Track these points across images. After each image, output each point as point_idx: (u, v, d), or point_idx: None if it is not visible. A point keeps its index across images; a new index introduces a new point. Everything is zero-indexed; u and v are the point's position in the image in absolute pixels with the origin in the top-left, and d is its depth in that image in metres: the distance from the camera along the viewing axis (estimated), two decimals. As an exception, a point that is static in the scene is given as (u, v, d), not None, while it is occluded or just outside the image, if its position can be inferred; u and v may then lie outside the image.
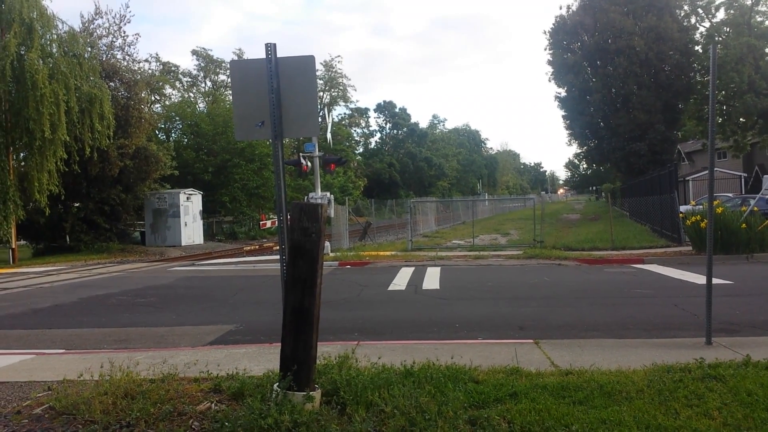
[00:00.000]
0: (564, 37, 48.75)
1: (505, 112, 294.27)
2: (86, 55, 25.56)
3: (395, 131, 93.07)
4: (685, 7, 46.29)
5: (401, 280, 14.68)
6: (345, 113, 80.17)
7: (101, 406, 4.63)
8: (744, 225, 16.76)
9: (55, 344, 8.50)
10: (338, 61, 71.62)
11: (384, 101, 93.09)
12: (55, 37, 24.40)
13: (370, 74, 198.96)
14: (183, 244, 31.47)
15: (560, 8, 52.91)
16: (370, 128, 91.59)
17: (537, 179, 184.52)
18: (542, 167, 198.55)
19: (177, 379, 5.47)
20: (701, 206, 19.13)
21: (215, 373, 5.51)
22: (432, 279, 14.62)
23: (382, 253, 21.66)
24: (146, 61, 47.63)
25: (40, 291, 15.20)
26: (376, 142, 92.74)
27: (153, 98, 43.79)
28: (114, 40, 31.27)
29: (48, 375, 6.24)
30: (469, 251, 21.15)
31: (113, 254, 27.05)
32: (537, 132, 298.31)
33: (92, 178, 27.73)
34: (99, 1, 54.85)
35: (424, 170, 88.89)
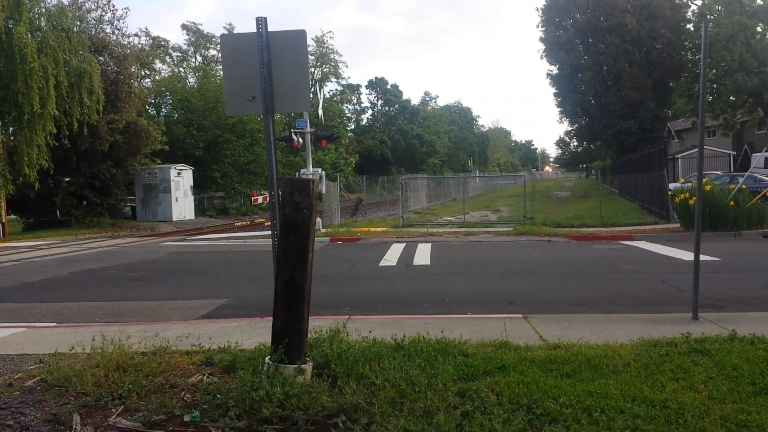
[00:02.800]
0: (556, 14, 48.56)
1: (497, 90, 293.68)
2: (75, 29, 25.18)
3: (387, 108, 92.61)
4: (678, -16, 46.13)
5: (392, 255, 14.74)
6: (337, 89, 79.71)
7: (93, 378, 4.67)
8: (732, 202, 16.90)
9: (47, 318, 8.52)
10: (330, 37, 71.08)
11: (376, 78, 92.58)
12: (44, 10, 24.00)
13: (362, 50, 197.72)
14: (174, 219, 31.36)
15: (553, -16, 52.60)
16: (362, 105, 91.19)
17: (528, 157, 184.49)
18: (533, 145, 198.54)
19: (169, 352, 5.52)
20: (690, 184, 19.25)
21: (207, 347, 5.55)
22: (423, 255, 14.69)
23: (373, 229, 21.71)
24: (136, 35, 47.07)
25: (31, 265, 15.16)
26: (367, 118, 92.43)
27: (143, 73, 43.29)
28: (103, 14, 30.88)
29: (39, 348, 6.26)
30: (460, 228, 21.22)
31: (104, 229, 26.96)
32: (528, 110, 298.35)
33: (82, 152, 27.53)
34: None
35: (415, 147, 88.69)
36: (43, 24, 23.80)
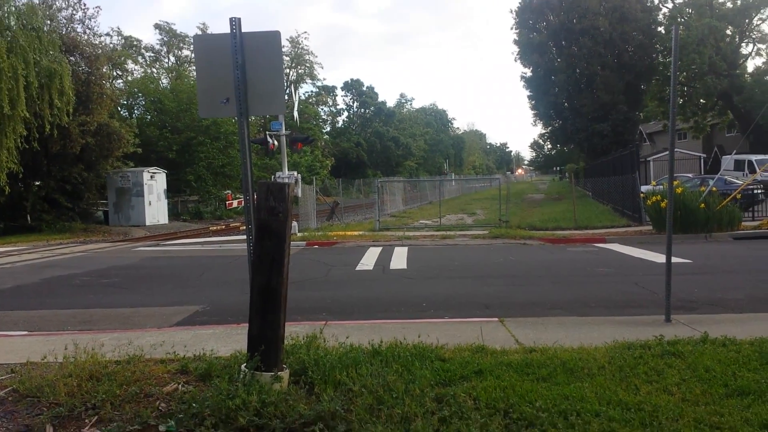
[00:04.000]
0: (530, 17, 49.00)
1: (472, 92, 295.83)
2: (45, 29, 24.84)
3: (363, 110, 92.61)
4: (649, -12, 46.86)
5: (369, 259, 14.73)
6: (312, 91, 79.52)
7: (66, 388, 4.59)
8: (703, 205, 17.16)
9: (18, 326, 8.35)
10: (305, 38, 70.93)
11: (351, 79, 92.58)
12: (13, 9, 23.61)
13: (337, 51, 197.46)
14: (147, 223, 31.02)
15: (527, -13, 53.08)
16: (338, 107, 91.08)
17: (503, 159, 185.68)
18: (508, 147, 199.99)
19: (143, 360, 5.44)
20: (661, 186, 19.51)
21: (182, 354, 5.49)
22: (399, 259, 14.70)
23: (349, 233, 21.67)
24: (107, 35, 46.63)
25: (1, 271, 14.87)
26: (343, 120, 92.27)
27: (115, 74, 42.84)
28: (74, 12, 30.50)
29: (10, 357, 6.13)
30: (436, 231, 21.28)
31: (76, 234, 26.55)
32: (503, 112, 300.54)
33: (53, 155, 27.12)
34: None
35: (391, 150, 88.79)
36: (12, 23, 23.42)
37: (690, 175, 32.58)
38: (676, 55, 7.34)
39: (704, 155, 45.93)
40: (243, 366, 4.57)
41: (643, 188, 21.79)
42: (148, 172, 32.10)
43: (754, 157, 32.18)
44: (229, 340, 6.62)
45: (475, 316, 7.98)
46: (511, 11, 50.75)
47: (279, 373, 4.50)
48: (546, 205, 36.55)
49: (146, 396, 4.53)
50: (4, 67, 20.97)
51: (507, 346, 6.03)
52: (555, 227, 21.23)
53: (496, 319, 7.61)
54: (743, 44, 45.16)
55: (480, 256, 15.32)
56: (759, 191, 21.25)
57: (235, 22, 5.53)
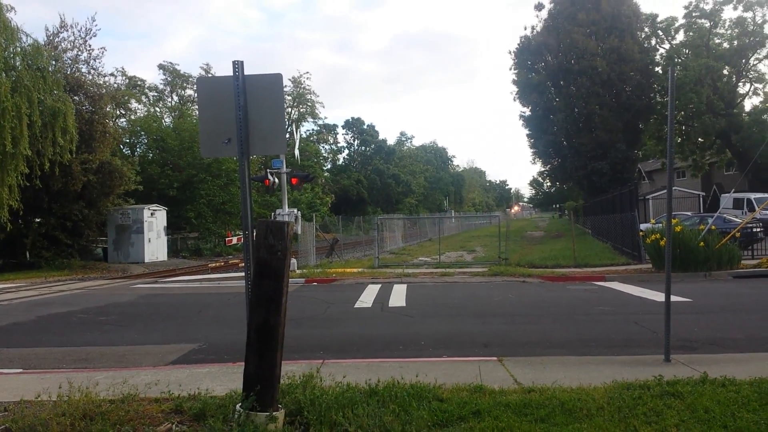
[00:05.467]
0: (528, 58, 49.64)
1: (472, 130, 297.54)
2: (50, 69, 25.14)
3: (363, 148, 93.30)
4: (646, 29, 47.57)
5: (368, 297, 14.67)
6: (313, 129, 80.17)
7: (59, 427, 4.55)
8: (702, 243, 17.14)
9: (13, 363, 8.29)
10: (307, 77, 71.53)
11: (352, 118, 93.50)
12: (19, 50, 23.93)
13: (337, 90, 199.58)
14: (146, 260, 30.99)
15: (525, 29, 54.03)
16: (338, 144, 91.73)
17: (503, 197, 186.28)
18: (507, 185, 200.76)
19: (137, 399, 5.40)
20: (661, 224, 19.53)
21: (177, 394, 5.44)
22: (398, 296, 14.65)
23: (349, 270, 21.63)
24: (112, 75, 47.05)
25: (-3, 309, 14.81)
26: (344, 158, 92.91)
27: (118, 112, 43.26)
28: (79, 53, 30.84)
29: (4, 395, 6.08)
30: (436, 268, 21.25)
31: (75, 271, 26.50)
32: (502, 150, 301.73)
33: (54, 192, 27.20)
34: (64, 14, 54.21)
35: (391, 187, 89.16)
36: (18, 63, 23.72)
37: (689, 213, 32.70)
38: (672, 94, 7.44)
39: (703, 193, 46.13)
40: (238, 406, 4.54)
41: (643, 226, 21.82)
42: (149, 209, 32.19)
43: (753, 196, 32.33)
44: (224, 379, 6.57)
45: (473, 355, 7.93)
46: (510, 52, 51.38)
47: (274, 413, 4.46)
48: (546, 243, 36.54)
49: (140, 436, 4.48)
50: (7, 106, 21.17)
51: (505, 386, 5.98)
52: (554, 265, 21.20)
53: (495, 358, 7.56)
54: (740, 84, 45.66)
55: (479, 293, 15.27)
56: (758, 229, 21.28)
57: (238, 65, 5.64)
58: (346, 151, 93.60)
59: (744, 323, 10.19)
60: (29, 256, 27.85)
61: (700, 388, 5.53)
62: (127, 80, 51.76)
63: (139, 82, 54.43)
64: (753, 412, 4.86)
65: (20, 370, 7.79)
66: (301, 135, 61.84)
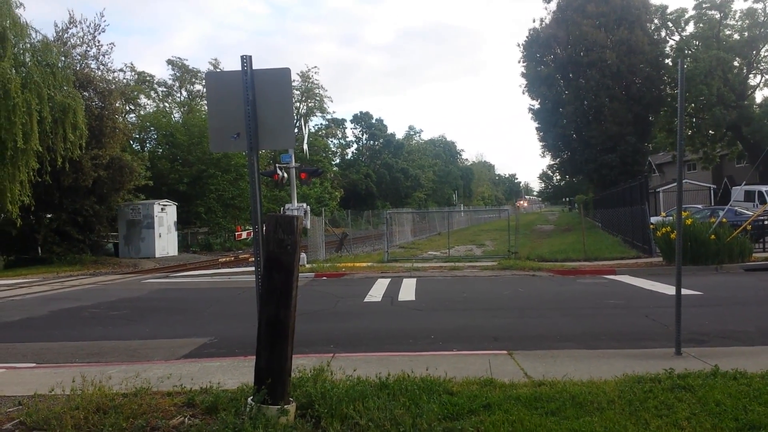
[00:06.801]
0: (537, 50, 49.44)
1: (481, 124, 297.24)
2: (60, 65, 25.26)
3: (372, 142, 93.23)
4: (656, 21, 47.26)
5: (377, 291, 14.70)
6: (322, 124, 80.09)
7: (73, 421, 4.59)
8: (713, 236, 17.05)
9: (26, 358, 8.37)
10: (315, 72, 71.13)
11: (360, 112, 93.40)
12: (29, 46, 24.07)
13: (345, 85, 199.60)
14: (157, 255, 31.15)
15: (534, 21, 53.74)
16: (347, 139, 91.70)
17: (512, 190, 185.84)
18: (517, 178, 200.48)
19: (150, 393, 5.44)
20: (671, 217, 19.43)
21: (189, 387, 5.48)
22: (408, 290, 14.66)
23: (358, 264, 21.66)
24: (121, 70, 47.01)
25: (10, 304, 14.93)
26: (352, 152, 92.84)
27: (127, 108, 43.37)
28: (88, 49, 30.97)
29: (18, 389, 6.14)
30: (445, 262, 21.24)
31: (86, 266, 26.68)
32: (512, 143, 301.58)
33: (65, 188, 27.37)
34: (73, 10, 54.41)
35: (400, 181, 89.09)
36: (27, 59, 23.86)
37: (700, 206, 32.48)
38: (682, 87, 7.39)
39: (714, 186, 45.86)
40: (249, 399, 4.57)
41: (653, 219, 21.71)
42: (159, 204, 32.33)
43: (764, 188, 32.11)
44: (236, 373, 6.61)
45: (483, 349, 7.92)
46: (519, 45, 51.19)
47: (285, 406, 4.48)
48: (555, 237, 36.45)
49: (152, 429, 4.52)
50: (18, 102, 21.29)
51: (516, 380, 5.99)
52: (564, 258, 21.15)
53: (505, 351, 7.56)
54: (751, 75, 45.35)
55: (489, 287, 15.26)
56: (769, 222, 21.14)
57: (246, 60, 5.64)
58: (355, 146, 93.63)
59: (755, 316, 10.13)
60: (41, 252, 28.07)
61: (711, 382, 5.51)
62: (136, 76, 51.94)
63: (148, 78, 54.61)
64: (764, 405, 4.84)
65: (34, 365, 7.86)
66: (309, 129, 61.84)
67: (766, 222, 21.00)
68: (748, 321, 9.61)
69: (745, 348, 7.62)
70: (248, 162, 5.79)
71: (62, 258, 27.64)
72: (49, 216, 28.25)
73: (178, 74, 57.81)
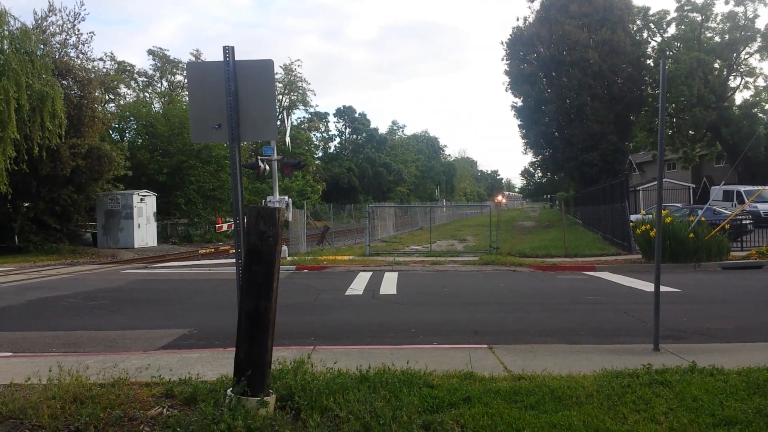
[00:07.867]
0: (521, 48, 49.58)
1: (464, 120, 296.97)
2: (39, 53, 24.88)
3: (355, 136, 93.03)
4: (638, 22, 47.62)
5: (359, 284, 14.69)
6: (305, 117, 79.72)
7: (49, 410, 4.52)
8: (692, 234, 17.25)
9: (2, 347, 8.24)
10: (298, 65, 71.08)
11: (344, 106, 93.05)
12: (7, 33, 23.66)
13: (328, 79, 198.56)
14: (136, 246, 30.87)
15: (517, 20, 53.80)
16: (330, 133, 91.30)
17: (494, 186, 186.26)
18: (499, 175, 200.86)
19: (128, 383, 5.39)
20: (651, 215, 19.61)
21: (167, 378, 5.43)
22: (389, 284, 14.67)
23: (340, 257, 21.63)
24: (101, 59, 46.37)
25: (-15, 293, 14.73)
26: (335, 146, 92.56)
27: (107, 97, 42.82)
28: (68, 37, 30.53)
29: (-7, 379, 6.05)
30: (427, 257, 21.28)
31: (63, 256, 26.37)
32: (494, 140, 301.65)
33: (43, 177, 27.01)
34: (53, -2, 53.39)
35: (383, 175, 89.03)
36: (5, 47, 23.47)
37: (679, 204, 32.85)
38: (663, 87, 7.45)
39: (693, 185, 46.36)
40: (229, 390, 4.53)
41: (633, 217, 21.91)
42: (138, 194, 32.03)
43: (742, 188, 32.56)
44: (215, 364, 6.57)
45: (464, 343, 7.96)
46: (502, 43, 51.28)
47: (265, 398, 4.46)
48: (536, 233, 36.65)
49: (130, 420, 4.47)
50: (-5, 90, 20.98)
51: (496, 374, 6.01)
52: (545, 254, 21.28)
53: (486, 346, 7.59)
54: (731, 77, 45.92)
55: (470, 282, 15.31)
56: (747, 222, 21.43)
57: (228, 51, 5.58)
58: (338, 140, 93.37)
59: (732, 313, 10.27)
60: (18, 241, 27.70)
61: (689, 377, 5.57)
62: (116, 65, 51.26)
63: (128, 68, 53.95)
64: (741, 401, 4.90)
65: (10, 354, 7.75)
66: (292, 122, 61.65)
67: (744, 221, 21.28)
68: (725, 318, 9.74)
69: (723, 345, 7.72)
70: (230, 153, 5.73)
71: (39, 247, 27.31)
72: (27, 205, 27.88)
73: (159, 64, 57.23)
